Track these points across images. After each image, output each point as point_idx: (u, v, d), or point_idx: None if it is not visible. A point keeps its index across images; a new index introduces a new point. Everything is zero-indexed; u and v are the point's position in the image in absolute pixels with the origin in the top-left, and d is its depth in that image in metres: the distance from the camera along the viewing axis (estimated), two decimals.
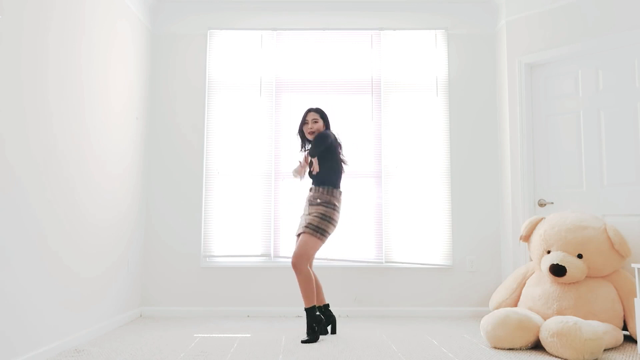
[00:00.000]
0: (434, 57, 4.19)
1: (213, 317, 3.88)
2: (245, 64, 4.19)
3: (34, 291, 2.51)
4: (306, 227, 3.11)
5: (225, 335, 3.22)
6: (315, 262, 3.81)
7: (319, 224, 3.10)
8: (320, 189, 3.19)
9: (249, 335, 3.22)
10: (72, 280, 2.89)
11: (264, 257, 4.02)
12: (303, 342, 2.98)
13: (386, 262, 4.01)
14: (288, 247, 4.01)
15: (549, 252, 3.16)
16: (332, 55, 4.21)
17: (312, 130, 3.31)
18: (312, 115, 3.34)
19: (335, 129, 3.51)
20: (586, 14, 3.55)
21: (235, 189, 4.09)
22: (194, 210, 4.03)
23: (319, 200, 3.17)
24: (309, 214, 3.17)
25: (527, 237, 3.39)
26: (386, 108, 4.15)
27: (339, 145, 3.35)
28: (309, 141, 3.37)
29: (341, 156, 3.35)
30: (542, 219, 3.36)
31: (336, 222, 3.21)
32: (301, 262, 3.05)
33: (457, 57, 4.18)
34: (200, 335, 3.22)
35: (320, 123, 3.34)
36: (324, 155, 3.22)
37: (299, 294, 3.84)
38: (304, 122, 3.37)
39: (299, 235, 3.20)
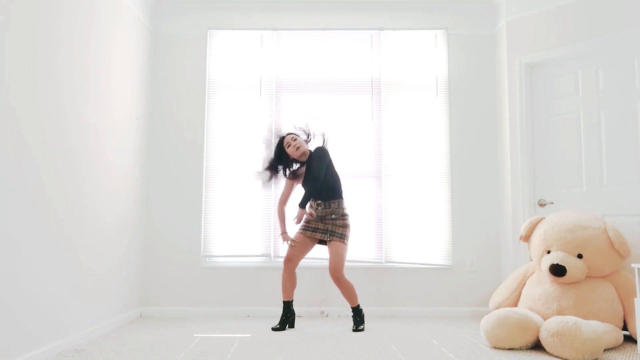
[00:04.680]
0: (434, 57, 4.19)
1: (213, 317, 3.88)
2: (245, 64, 4.19)
3: (33, 292, 2.51)
4: (337, 235, 3.35)
5: (225, 335, 3.22)
6: (315, 262, 3.83)
7: (345, 232, 3.39)
8: (332, 204, 3.40)
9: (249, 335, 3.22)
10: (72, 280, 2.89)
11: (264, 257, 4.02)
12: (360, 330, 3.32)
13: (386, 262, 4.01)
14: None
15: (549, 252, 3.16)
16: (332, 55, 4.21)
17: (298, 146, 3.46)
18: (290, 136, 3.52)
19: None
20: (586, 13, 3.55)
21: (235, 189, 4.08)
22: (194, 210, 4.03)
23: (334, 216, 3.41)
24: (332, 224, 3.39)
25: (527, 237, 3.39)
26: (386, 108, 4.15)
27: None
28: (296, 161, 3.54)
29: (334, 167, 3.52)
30: (542, 219, 3.36)
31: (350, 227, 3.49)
32: (341, 273, 3.31)
33: (457, 57, 4.17)
34: (200, 335, 3.22)
35: (300, 139, 3.51)
36: (325, 170, 3.40)
37: (298, 294, 3.85)
38: (283, 147, 3.50)
39: (327, 242, 3.40)
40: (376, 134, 4.14)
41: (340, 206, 3.43)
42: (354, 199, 4.06)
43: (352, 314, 3.46)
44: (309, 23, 4.21)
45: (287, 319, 3.43)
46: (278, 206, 3.58)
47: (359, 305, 3.41)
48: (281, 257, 4.01)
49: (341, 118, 4.15)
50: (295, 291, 3.81)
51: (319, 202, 3.43)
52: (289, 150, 3.49)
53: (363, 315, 3.42)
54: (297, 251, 3.43)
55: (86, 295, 3.04)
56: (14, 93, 2.35)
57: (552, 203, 3.67)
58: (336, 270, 3.30)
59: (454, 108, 4.14)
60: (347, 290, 3.35)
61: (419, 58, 4.19)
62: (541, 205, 3.71)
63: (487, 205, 4.07)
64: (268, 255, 4.01)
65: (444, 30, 4.19)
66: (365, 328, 3.41)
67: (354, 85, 4.19)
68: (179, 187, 4.06)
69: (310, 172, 3.41)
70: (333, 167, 3.47)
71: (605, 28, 3.46)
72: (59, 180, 2.74)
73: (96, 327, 3.14)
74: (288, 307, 3.45)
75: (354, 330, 3.34)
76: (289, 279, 3.43)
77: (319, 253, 3.81)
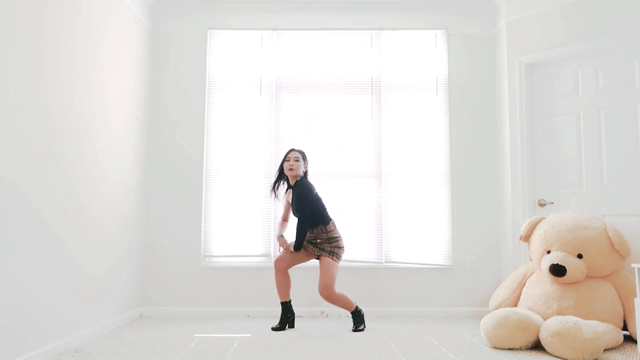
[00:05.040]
0: (434, 57, 4.19)
1: (213, 317, 3.88)
2: (245, 64, 4.19)
3: (34, 292, 2.52)
4: (326, 251, 3.39)
5: (225, 335, 3.22)
6: (315, 263, 3.83)
7: (335, 251, 3.41)
8: (315, 230, 3.43)
9: (249, 335, 3.22)
10: (72, 280, 2.89)
11: (264, 257, 4.02)
12: (360, 330, 3.35)
13: (386, 262, 4.01)
14: None
15: (549, 252, 3.16)
16: (332, 55, 4.21)
17: (292, 167, 3.47)
18: (294, 154, 3.52)
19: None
20: (586, 14, 3.56)
21: (235, 189, 4.09)
22: (194, 210, 4.03)
23: (319, 240, 3.44)
24: (322, 244, 3.43)
25: (527, 237, 3.39)
26: (386, 108, 4.15)
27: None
28: (285, 179, 3.57)
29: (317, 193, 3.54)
30: (542, 219, 3.36)
31: (344, 248, 3.49)
32: (331, 291, 3.29)
33: (457, 57, 4.17)
34: (200, 335, 3.22)
35: (301, 162, 3.53)
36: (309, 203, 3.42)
37: (298, 294, 3.86)
38: (286, 159, 3.53)
39: (318, 257, 3.43)
40: (376, 134, 4.14)
41: (324, 231, 3.43)
42: (354, 199, 4.07)
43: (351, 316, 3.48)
44: (309, 23, 4.21)
45: (287, 319, 3.44)
46: (280, 222, 3.65)
47: (356, 308, 3.42)
48: None
49: (341, 118, 4.15)
50: (296, 291, 3.82)
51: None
52: (285, 165, 3.51)
53: (362, 315, 3.42)
54: (289, 255, 3.46)
55: (86, 295, 3.04)
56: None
57: (552, 203, 3.67)
58: (325, 289, 3.28)
59: (454, 108, 4.14)
60: (340, 302, 3.35)
61: (419, 58, 4.19)
62: (541, 205, 3.71)
63: (487, 205, 4.07)
64: (268, 255, 4.01)
65: (444, 30, 4.19)
66: (365, 328, 3.41)
67: (354, 85, 4.19)
68: (179, 187, 4.06)
69: (294, 199, 3.46)
70: (317, 198, 3.47)
71: (605, 28, 3.46)
72: (46, 183, 2.72)
73: (96, 327, 3.14)
74: (287, 307, 3.45)
75: (353, 330, 3.34)
76: (282, 280, 3.44)
77: None
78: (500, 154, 4.07)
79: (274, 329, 3.37)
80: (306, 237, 3.46)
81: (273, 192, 3.62)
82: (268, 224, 4.04)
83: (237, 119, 4.15)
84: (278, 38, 4.21)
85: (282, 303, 3.45)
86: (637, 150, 3.32)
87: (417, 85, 4.17)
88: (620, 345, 2.89)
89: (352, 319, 3.46)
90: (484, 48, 4.18)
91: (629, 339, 3.03)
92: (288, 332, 3.33)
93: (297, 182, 3.48)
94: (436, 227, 4.06)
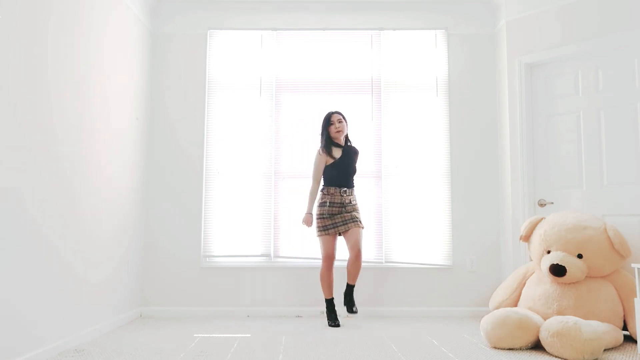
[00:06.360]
0: (434, 57, 4.19)
1: (213, 317, 3.88)
2: (245, 64, 4.19)
3: (35, 292, 2.52)
4: (359, 222, 3.59)
5: (225, 335, 3.22)
6: (315, 262, 3.83)
7: (360, 217, 3.67)
8: (353, 191, 3.68)
9: (249, 335, 3.22)
10: (72, 281, 2.88)
11: (264, 257, 4.02)
12: (355, 312, 3.60)
13: (386, 262, 4.01)
14: (288, 247, 4.02)
15: (549, 252, 3.17)
16: (332, 55, 4.21)
17: (339, 129, 3.64)
18: (337, 117, 3.66)
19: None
20: (586, 13, 3.56)
21: (235, 189, 4.09)
22: (194, 210, 4.03)
23: (354, 202, 3.65)
24: (352, 212, 3.59)
25: (527, 237, 3.39)
26: (386, 108, 4.15)
27: None
28: (333, 143, 3.66)
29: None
30: (542, 219, 3.36)
31: None
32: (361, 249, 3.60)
33: (457, 57, 4.17)
34: (200, 335, 3.22)
35: (344, 122, 3.68)
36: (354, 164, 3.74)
37: (298, 294, 3.88)
38: (329, 123, 3.64)
39: (345, 232, 3.57)
40: (376, 134, 4.14)
41: (354, 194, 3.69)
42: None
43: (345, 295, 3.59)
44: (309, 23, 4.21)
45: (335, 313, 3.57)
46: (313, 185, 3.67)
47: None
48: (281, 257, 4.02)
49: None
50: (294, 291, 3.83)
51: (345, 189, 3.60)
52: (331, 128, 3.64)
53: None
54: (332, 247, 3.56)
55: (86, 295, 3.04)
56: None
57: (552, 203, 3.67)
58: (359, 247, 3.54)
59: (454, 108, 4.14)
60: (360, 265, 3.55)
61: (419, 58, 4.19)
62: (541, 205, 3.71)
63: (487, 205, 4.07)
64: (268, 255, 4.01)
65: (444, 30, 4.19)
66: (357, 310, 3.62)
67: (354, 85, 4.19)
68: (179, 187, 4.05)
69: (348, 161, 3.65)
70: None
71: (605, 28, 3.46)
72: (45, 183, 2.71)
73: (96, 327, 3.14)
74: (333, 303, 3.59)
75: (349, 312, 3.56)
76: (331, 274, 3.57)
77: (318, 253, 3.81)
78: (500, 154, 4.07)
79: (331, 325, 3.50)
80: (346, 199, 3.59)
81: (328, 154, 3.62)
82: (268, 224, 4.04)
83: (237, 119, 4.15)
84: (278, 38, 4.21)
85: (329, 300, 3.57)
86: (637, 150, 3.32)
87: (417, 85, 4.17)
88: (620, 345, 2.89)
89: (345, 300, 3.59)
90: (484, 48, 4.18)
91: (629, 339, 3.03)
92: (287, 332, 3.33)
93: (349, 145, 3.75)
94: (436, 227, 4.06)
